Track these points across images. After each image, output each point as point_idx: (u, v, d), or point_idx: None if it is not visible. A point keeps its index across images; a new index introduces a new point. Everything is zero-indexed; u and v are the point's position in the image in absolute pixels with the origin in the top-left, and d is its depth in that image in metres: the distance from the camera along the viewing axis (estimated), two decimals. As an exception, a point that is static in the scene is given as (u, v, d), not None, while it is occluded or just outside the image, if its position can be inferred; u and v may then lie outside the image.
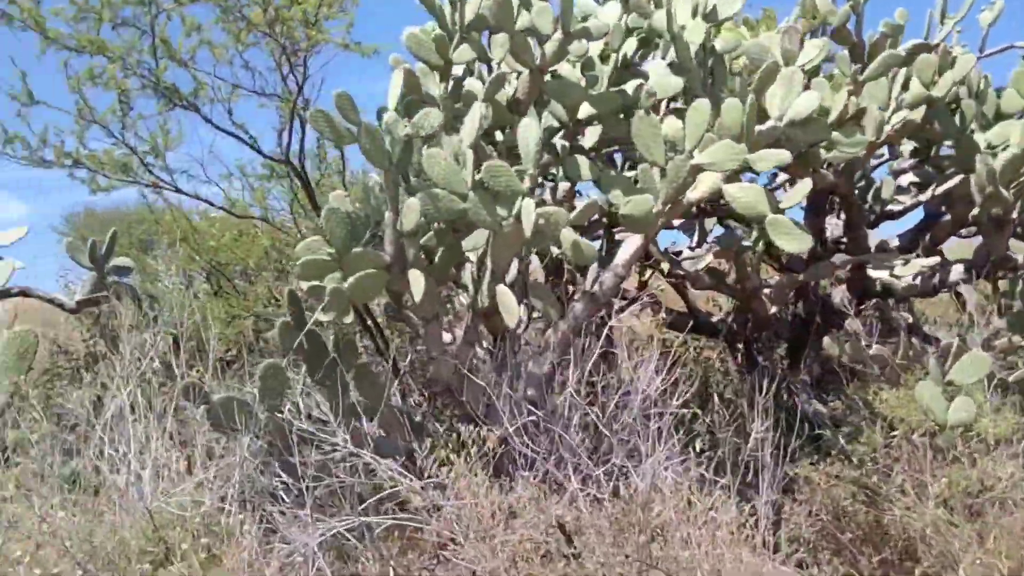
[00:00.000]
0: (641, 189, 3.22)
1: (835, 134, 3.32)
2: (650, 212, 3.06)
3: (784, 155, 2.95)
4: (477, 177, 3.00)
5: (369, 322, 3.97)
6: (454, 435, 3.09)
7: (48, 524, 2.59)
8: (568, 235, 3.07)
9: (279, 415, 3.02)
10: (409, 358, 3.93)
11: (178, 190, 4.40)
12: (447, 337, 3.34)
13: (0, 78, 4.79)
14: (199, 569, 2.73)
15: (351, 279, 2.94)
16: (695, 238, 4.52)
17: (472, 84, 3.59)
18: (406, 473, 2.95)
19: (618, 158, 4.30)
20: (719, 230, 4.65)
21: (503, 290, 3.07)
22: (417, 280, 2.98)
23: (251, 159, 4.81)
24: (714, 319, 4.80)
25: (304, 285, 3.02)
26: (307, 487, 2.90)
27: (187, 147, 5.07)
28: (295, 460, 2.97)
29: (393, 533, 2.89)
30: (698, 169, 3.12)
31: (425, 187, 3.14)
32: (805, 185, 3.27)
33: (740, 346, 4.66)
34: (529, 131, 2.99)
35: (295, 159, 3.81)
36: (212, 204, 4.59)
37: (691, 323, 4.46)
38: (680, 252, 4.75)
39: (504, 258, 3.13)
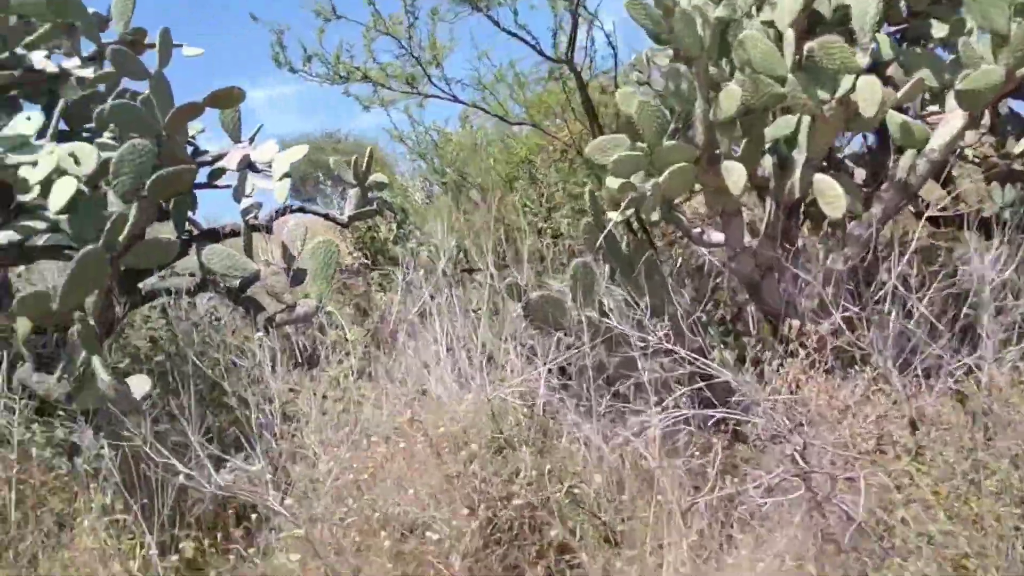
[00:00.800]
0: (964, 63, 2.94)
1: None
2: (995, 86, 2.78)
3: None
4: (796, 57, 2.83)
5: (635, 224, 3.92)
6: (752, 332, 3.03)
7: (410, 412, 2.77)
8: (895, 116, 2.86)
9: (590, 312, 3.06)
10: (679, 260, 3.87)
11: (455, 99, 4.48)
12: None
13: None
14: (537, 457, 2.85)
15: (666, 173, 2.88)
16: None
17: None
18: (721, 368, 2.93)
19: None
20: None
21: (822, 178, 2.92)
22: (733, 170, 2.88)
23: (483, 68, 4.74)
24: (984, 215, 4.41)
25: (614, 183, 2.99)
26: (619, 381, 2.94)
27: (456, 55, 5.04)
28: (611, 356, 3.01)
29: (718, 427, 2.89)
30: (1047, 34, 2.79)
31: (722, 77, 3.00)
32: None
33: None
34: (867, 1, 2.76)
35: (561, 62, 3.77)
36: (487, 111, 4.64)
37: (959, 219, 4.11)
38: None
39: (822, 144, 2.96)
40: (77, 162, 3.23)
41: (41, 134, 3.59)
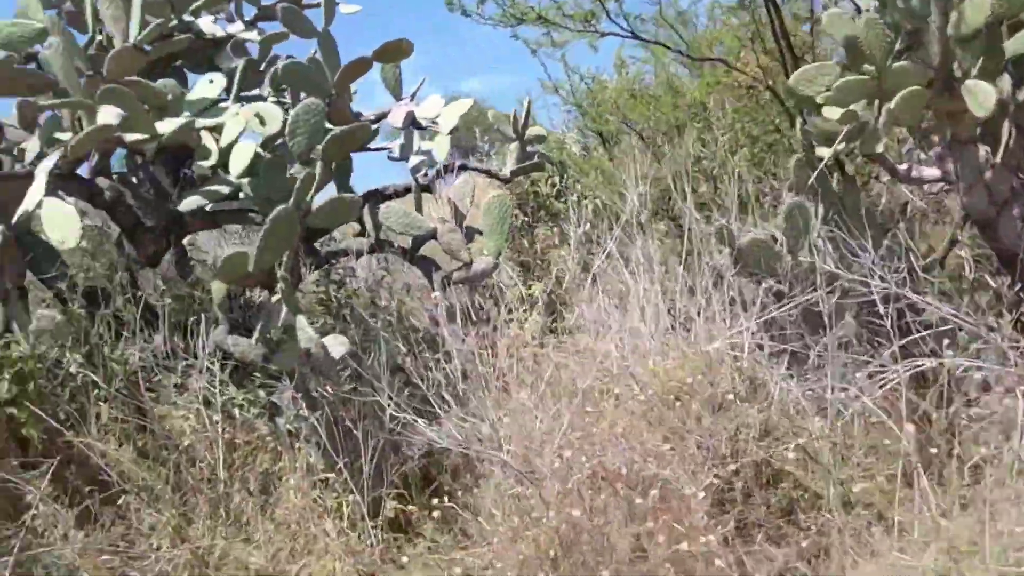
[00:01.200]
0: None
1: None
2: None
3: None
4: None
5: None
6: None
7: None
8: None
9: (806, 257, 2.81)
10: (884, 199, 3.55)
11: (635, 35, 4.25)
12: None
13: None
14: (754, 413, 2.66)
15: (897, 98, 2.58)
16: None
17: None
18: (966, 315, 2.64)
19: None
20: None
21: (1087, 95, 2.55)
22: (980, 90, 2.55)
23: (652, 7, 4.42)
24: None
25: (833, 112, 2.72)
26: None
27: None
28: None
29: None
30: None
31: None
32: None
33: None
34: None
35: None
36: (668, 48, 4.41)
37: None
38: None
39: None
40: (262, 122, 3.22)
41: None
